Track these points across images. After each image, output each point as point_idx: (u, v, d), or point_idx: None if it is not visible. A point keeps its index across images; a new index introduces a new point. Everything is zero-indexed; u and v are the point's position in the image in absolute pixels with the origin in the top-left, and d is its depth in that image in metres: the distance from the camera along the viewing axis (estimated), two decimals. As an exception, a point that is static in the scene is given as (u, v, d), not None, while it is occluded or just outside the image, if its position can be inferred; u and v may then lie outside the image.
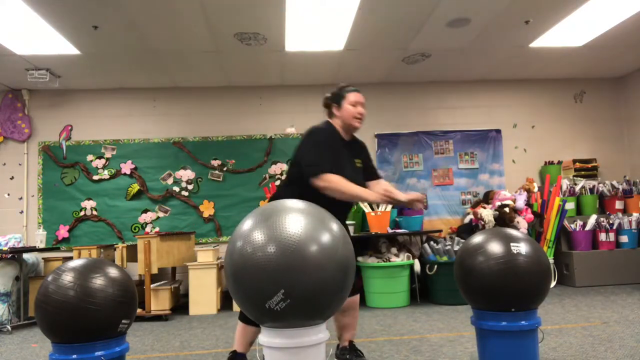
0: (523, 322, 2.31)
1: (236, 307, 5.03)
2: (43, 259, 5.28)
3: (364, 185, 2.71)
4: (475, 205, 5.85)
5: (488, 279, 2.31)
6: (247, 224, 1.78)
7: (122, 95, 6.09)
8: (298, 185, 2.61)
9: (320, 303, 1.68)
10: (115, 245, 5.40)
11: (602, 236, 5.55)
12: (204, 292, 5.00)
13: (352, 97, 2.71)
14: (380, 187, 2.63)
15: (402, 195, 2.54)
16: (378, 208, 5.20)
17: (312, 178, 2.51)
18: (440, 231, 5.58)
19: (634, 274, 5.49)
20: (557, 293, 5.11)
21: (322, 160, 2.55)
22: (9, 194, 5.85)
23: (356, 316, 2.83)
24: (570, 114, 6.60)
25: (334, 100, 2.75)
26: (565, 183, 5.93)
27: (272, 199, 2.68)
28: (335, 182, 2.49)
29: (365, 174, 2.84)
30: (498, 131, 6.44)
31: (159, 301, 4.81)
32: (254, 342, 2.74)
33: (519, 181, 6.35)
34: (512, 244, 2.34)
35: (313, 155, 2.56)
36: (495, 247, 2.35)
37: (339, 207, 2.59)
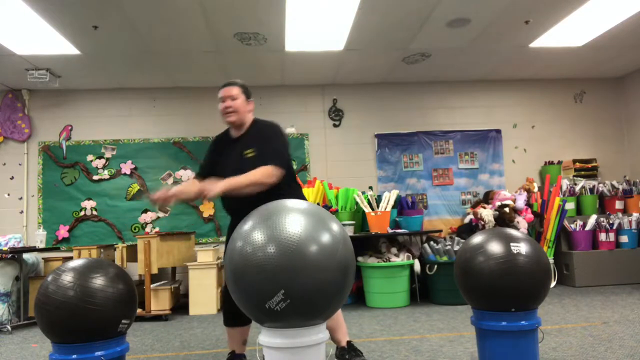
0: (523, 322, 2.31)
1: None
2: (43, 259, 5.27)
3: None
4: (475, 205, 5.84)
5: (488, 279, 2.31)
6: (247, 224, 1.78)
7: (122, 95, 6.09)
8: None
9: (320, 303, 1.67)
10: (115, 245, 5.40)
11: (602, 236, 5.55)
12: (203, 292, 5.00)
13: (219, 94, 2.74)
14: None
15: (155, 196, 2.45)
16: (378, 207, 5.20)
17: None
18: (440, 231, 5.58)
19: (634, 274, 5.49)
20: (557, 293, 5.11)
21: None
22: (9, 194, 5.84)
23: (337, 316, 2.80)
24: (570, 114, 6.60)
25: None
26: (565, 183, 5.93)
27: None
28: None
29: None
30: (498, 131, 6.43)
31: (159, 301, 4.81)
32: (247, 341, 2.76)
33: (519, 181, 6.35)
34: (512, 244, 2.34)
35: None
36: (495, 247, 2.35)
37: (247, 201, 2.42)
